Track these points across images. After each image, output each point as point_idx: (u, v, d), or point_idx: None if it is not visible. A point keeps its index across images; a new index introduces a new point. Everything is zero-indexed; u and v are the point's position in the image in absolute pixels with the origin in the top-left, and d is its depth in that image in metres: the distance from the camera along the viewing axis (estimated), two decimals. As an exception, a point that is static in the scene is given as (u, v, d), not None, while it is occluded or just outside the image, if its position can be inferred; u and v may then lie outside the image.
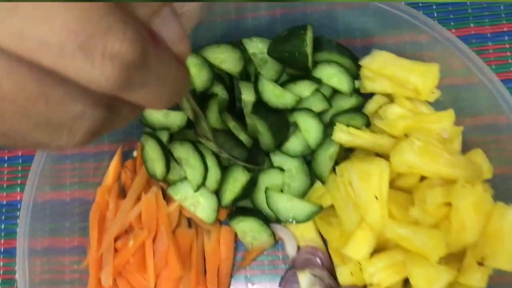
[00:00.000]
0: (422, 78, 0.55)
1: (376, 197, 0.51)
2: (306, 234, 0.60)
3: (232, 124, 0.60)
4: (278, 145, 0.60)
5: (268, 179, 0.60)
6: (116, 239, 0.59)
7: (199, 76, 0.59)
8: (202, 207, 0.60)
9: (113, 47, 0.18)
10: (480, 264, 0.49)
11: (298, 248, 0.61)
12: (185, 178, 0.60)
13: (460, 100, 0.58)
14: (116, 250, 0.59)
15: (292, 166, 0.60)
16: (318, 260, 0.59)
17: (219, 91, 0.61)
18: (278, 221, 0.60)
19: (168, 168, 0.60)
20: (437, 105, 0.59)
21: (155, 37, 0.22)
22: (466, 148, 0.57)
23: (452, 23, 0.66)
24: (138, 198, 0.60)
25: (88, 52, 0.18)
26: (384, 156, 0.54)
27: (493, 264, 0.48)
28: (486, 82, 0.55)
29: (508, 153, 0.55)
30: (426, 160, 0.51)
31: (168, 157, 0.60)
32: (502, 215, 0.48)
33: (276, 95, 0.57)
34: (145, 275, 0.58)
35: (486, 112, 0.57)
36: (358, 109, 0.61)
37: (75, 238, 0.63)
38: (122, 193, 0.64)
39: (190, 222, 0.63)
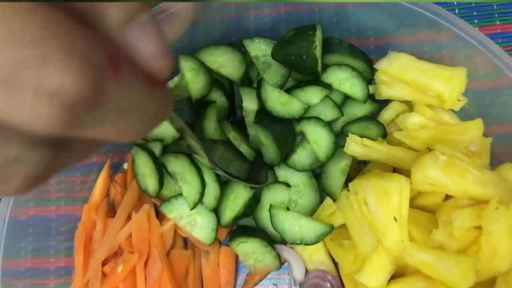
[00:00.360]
0: (448, 85, 0.50)
1: (395, 219, 0.47)
2: (315, 256, 0.57)
3: (232, 135, 0.57)
4: (284, 158, 0.56)
5: (272, 195, 0.56)
6: (104, 263, 0.56)
7: (195, 82, 0.56)
8: (200, 226, 0.57)
9: (51, 82, 0.15)
10: (514, 295, 0.45)
11: (306, 271, 0.58)
12: (180, 195, 0.57)
13: (486, 106, 0.55)
14: (104, 275, 0.56)
15: (300, 181, 0.57)
16: (328, 285, 0.56)
17: (218, 98, 0.58)
18: (284, 241, 0.57)
19: (161, 183, 0.57)
20: (461, 113, 0.56)
21: (117, 61, 0.17)
22: (493, 161, 0.54)
23: (475, 21, 0.61)
24: (129, 217, 0.58)
25: (15, 88, 0.14)
26: (402, 171, 0.52)
27: (530, 296, 0.44)
28: (519, 85, 0.50)
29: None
30: (452, 177, 0.47)
31: (162, 172, 0.57)
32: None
33: (282, 103, 0.53)
34: (136, 304, 0.54)
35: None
36: (372, 118, 0.57)
37: (61, 258, 0.61)
38: (112, 209, 0.61)
39: (186, 243, 0.60)
